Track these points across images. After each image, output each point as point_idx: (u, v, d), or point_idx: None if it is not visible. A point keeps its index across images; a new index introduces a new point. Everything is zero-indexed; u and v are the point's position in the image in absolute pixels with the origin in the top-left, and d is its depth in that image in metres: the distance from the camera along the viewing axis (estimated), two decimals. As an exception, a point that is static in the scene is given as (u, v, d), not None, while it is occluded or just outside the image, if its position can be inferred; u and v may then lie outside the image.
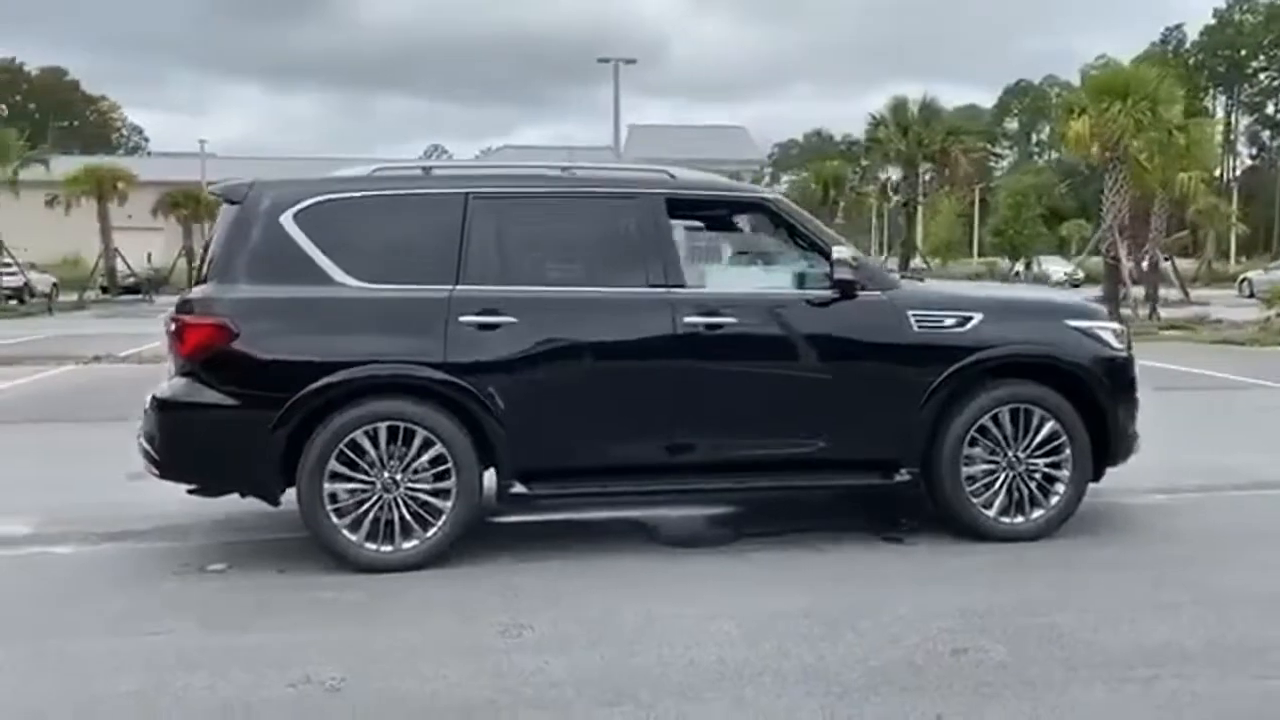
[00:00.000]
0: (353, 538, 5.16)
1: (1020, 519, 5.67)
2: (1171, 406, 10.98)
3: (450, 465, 5.20)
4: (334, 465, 5.13)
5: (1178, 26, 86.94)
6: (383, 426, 5.16)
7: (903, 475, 5.60)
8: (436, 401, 5.19)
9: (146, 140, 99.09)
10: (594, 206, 5.55)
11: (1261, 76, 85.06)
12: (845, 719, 3.58)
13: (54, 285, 33.33)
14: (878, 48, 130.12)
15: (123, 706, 3.69)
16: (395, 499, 5.19)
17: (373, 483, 5.17)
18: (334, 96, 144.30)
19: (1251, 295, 31.35)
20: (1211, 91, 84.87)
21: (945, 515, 5.73)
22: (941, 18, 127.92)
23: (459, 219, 5.34)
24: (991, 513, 5.64)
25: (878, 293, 5.57)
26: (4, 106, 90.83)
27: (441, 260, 5.29)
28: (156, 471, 5.27)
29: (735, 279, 5.79)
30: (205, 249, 5.45)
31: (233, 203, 5.36)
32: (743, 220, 6.11)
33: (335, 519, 5.15)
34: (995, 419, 5.62)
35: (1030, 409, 5.64)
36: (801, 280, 5.66)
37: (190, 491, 5.37)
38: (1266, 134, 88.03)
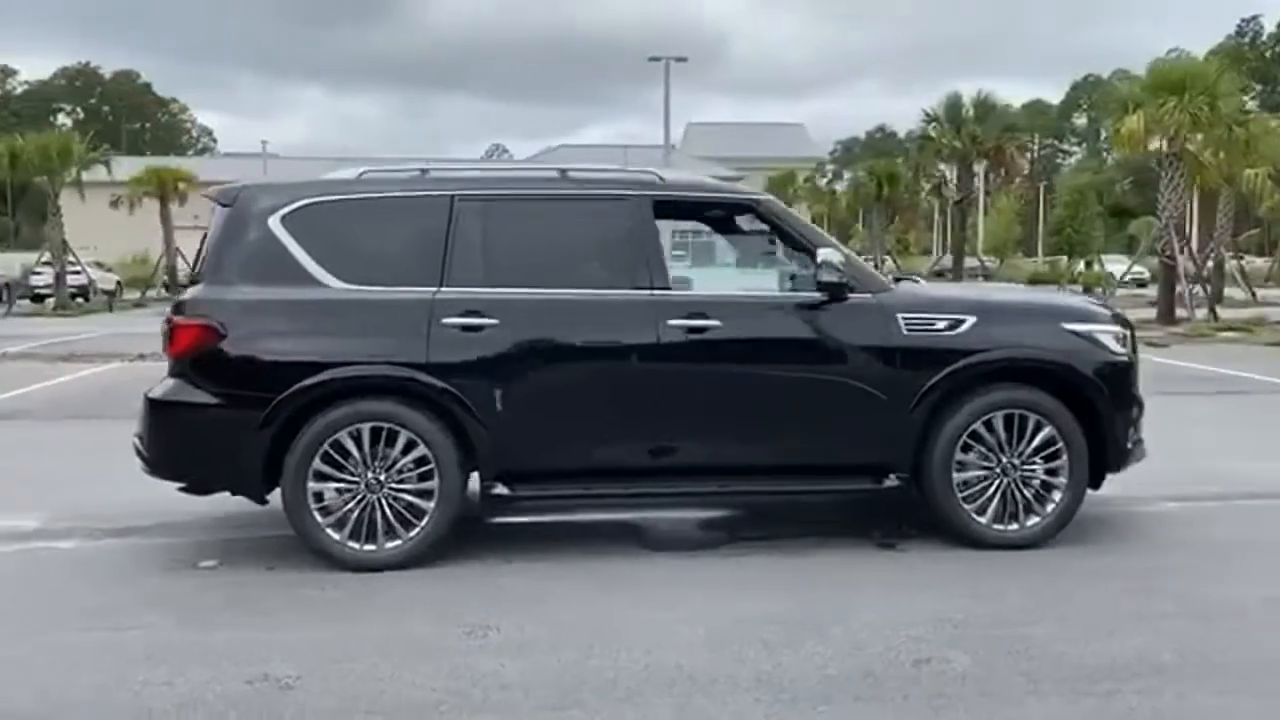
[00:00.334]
0: (336, 537, 5.22)
1: (1014, 526, 5.56)
2: (1202, 411, 10.74)
3: (433, 466, 5.24)
4: (318, 465, 5.19)
5: (1254, 18, 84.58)
6: (366, 427, 5.21)
7: (892, 481, 5.52)
8: (419, 403, 5.23)
9: (215, 141, 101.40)
10: (580, 209, 5.55)
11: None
12: (788, 728, 3.54)
13: (117, 284, 34.20)
14: (945, 43, 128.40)
15: (78, 700, 3.77)
16: (379, 499, 5.24)
17: (357, 483, 5.23)
18: (396, 97, 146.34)
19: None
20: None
21: (938, 521, 5.63)
22: (1011, 11, 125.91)
23: (444, 221, 5.37)
24: (984, 519, 5.53)
25: (867, 295, 5.50)
26: (79, 109, 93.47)
27: (426, 263, 5.33)
28: (147, 469, 5.38)
29: (721, 281, 5.76)
30: (199, 251, 5.54)
31: (225, 205, 5.45)
32: (731, 222, 6.06)
33: (319, 518, 5.22)
34: (988, 424, 5.51)
35: (1025, 414, 5.52)
36: (789, 282, 5.61)
37: (180, 489, 5.47)
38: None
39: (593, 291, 5.40)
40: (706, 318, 5.37)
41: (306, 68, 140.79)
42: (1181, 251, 21.49)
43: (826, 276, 5.33)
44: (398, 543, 5.25)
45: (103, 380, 13.37)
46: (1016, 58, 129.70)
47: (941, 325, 5.49)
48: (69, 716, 3.66)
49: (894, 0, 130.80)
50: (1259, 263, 40.28)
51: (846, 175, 72.32)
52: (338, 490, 5.25)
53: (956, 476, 5.51)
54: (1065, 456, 5.54)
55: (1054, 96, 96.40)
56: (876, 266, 37.85)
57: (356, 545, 5.23)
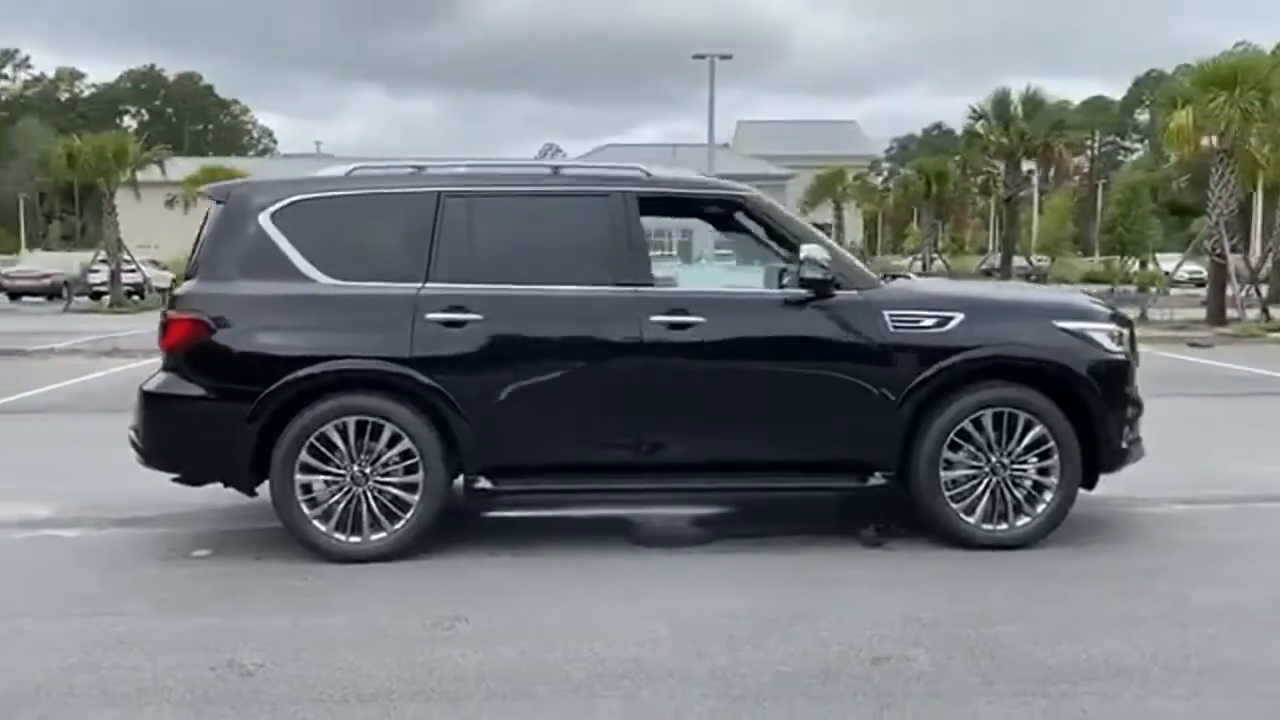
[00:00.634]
0: (322, 528, 5.30)
1: (1004, 526, 5.49)
2: (1227, 413, 10.52)
3: (417, 460, 5.30)
4: (305, 458, 5.28)
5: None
6: (351, 421, 5.28)
7: (878, 479, 5.48)
8: (403, 397, 5.29)
9: (275, 143, 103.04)
10: (565, 205, 5.57)
11: None
12: (731, 723, 3.54)
13: (172, 281, 34.91)
14: (1008, 39, 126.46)
15: (39, 681, 3.86)
16: (364, 492, 5.31)
17: (343, 476, 5.30)
18: (453, 98, 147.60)
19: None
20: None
21: (925, 520, 5.58)
22: (1077, 6, 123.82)
23: (430, 218, 5.43)
24: (973, 519, 5.47)
25: (853, 292, 5.46)
26: (144, 111, 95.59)
27: (412, 258, 5.39)
28: (141, 460, 5.51)
29: (707, 278, 5.76)
30: (194, 246, 5.66)
31: (219, 203, 5.56)
32: (718, 219, 6.03)
33: (306, 510, 5.30)
34: (977, 422, 5.44)
35: (1015, 413, 5.45)
36: (775, 279, 5.58)
37: (173, 480, 5.59)
38: None
39: (576, 287, 5.42)
40: (689, 314, 5.36)
41: (365, 69, 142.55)
42: (1234, 250, 20.98)
43: (809, 273, 5.30)
44: (382, 535, 5.32)
45: (138, 375, 13.45)
46: (1082, 54, 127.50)
47: (929, 322, 5.43)
48: (27, 697, 3.75)
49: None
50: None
51: (903, 172, 71.67)
52: (325, 483, 5.33)
53: (944, 475, 5.45)
54: (1057, 456, 5.46)
55: (1119, 93, 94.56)
56: (925, 265, 37.61)
57: (342, 537, 5.31)
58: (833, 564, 5.34)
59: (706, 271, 5.85)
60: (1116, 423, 5.56)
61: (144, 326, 22.58)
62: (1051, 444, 5.45)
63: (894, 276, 6.27)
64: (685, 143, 46.72)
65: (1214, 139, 20.33)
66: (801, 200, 46.72)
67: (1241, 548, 5.62)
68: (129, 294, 29.85)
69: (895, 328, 5.41)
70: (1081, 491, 5.63)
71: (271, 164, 62.82)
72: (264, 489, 5.48)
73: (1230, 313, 20.90)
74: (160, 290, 32.75)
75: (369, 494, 5.31)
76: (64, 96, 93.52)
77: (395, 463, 5.32)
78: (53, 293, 32.26)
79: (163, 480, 5.63)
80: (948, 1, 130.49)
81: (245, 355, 5.32)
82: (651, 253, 5.87)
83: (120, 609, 4.71)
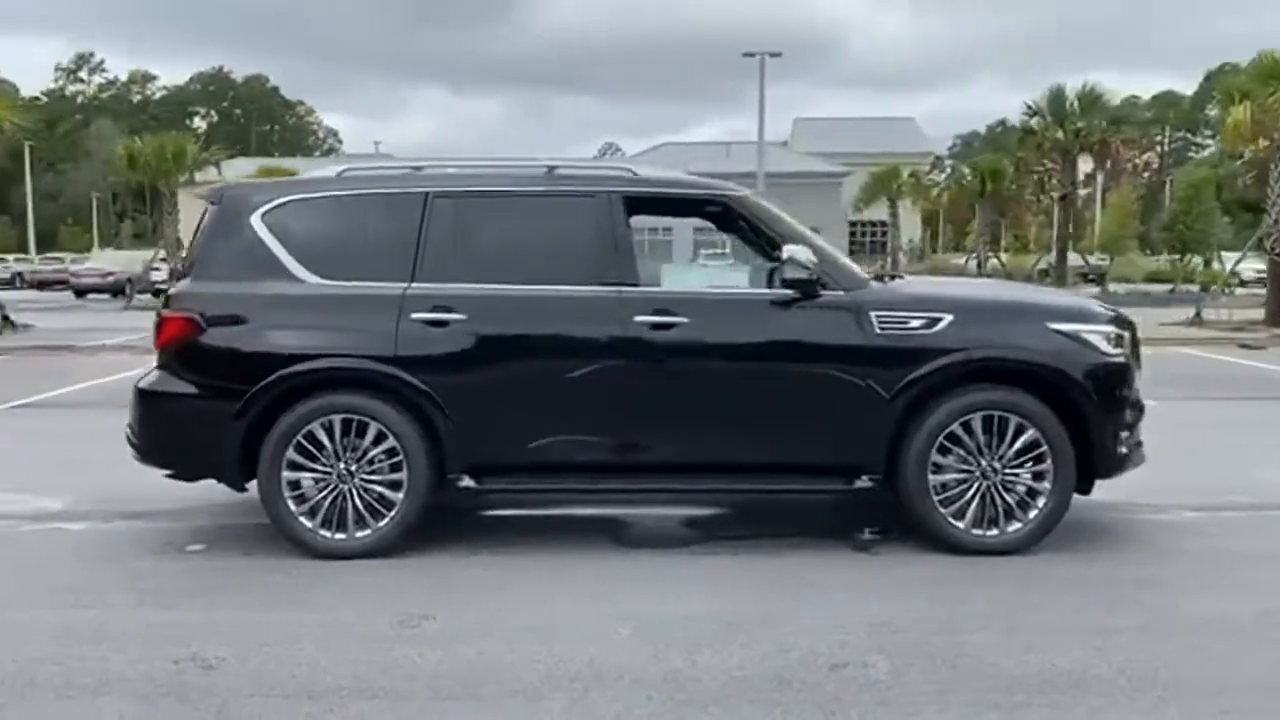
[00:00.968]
0: (309, 525, 5.37)
1: (994, 532, 5.38)
2: (1258, 417, 10.22)
3: (402, 458, 5.34)
4: (292, 455, 5.34)
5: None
6: (337, 419, 5.34)
7: (864, 482, 5.41)
8: (388, 396, 5.34)
9: (340, 143, 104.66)
10: (551, 205, 5.57)
11: None
12: (672, 728, 3.52)
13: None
14: (1075, 33, 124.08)
15: (9, 672, 3.95)
16: (350, 489, 5.37)
17: (329, 473, 5.36)
18: (515, 98, 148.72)
19: None
20: None
21: (914, 525, 5.49)
22: None
23: (418, 218, 5.46)
24: (962, 524, 5.37)
25: (840, 292, 5.39)
26: (213, 112, 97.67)
27: (399, 258, 5.43)
28: (137, 456, 5.62)
29: (692, 278, 5.70)
30: (189, 246, 5.76)
31: (213, 204, 5.66)
32: (706, 218, 5.98)
33: (293, 506, 5.37)
34: (967, 426, 5.34)
35: (1005, 416, 5.34)
36: (761, 279, 5.53)
37: (167, 476, 5.69)
38: None
39: (560, 287, 5.42)
40: (672, 314, 5.34)
41: (428, 70, 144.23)
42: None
43: (791, 273, 5.24)
44: (367, 532, 5.37)
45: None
46: (1154, 47, 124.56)
47: (917, 323, 5.34)
48: (-9, 687, 3.86)
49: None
50: None
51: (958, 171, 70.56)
52: (313, 480, 5.39)
53: (933, 479, 5.36)
54: (1049, 461, 5.34)
55: (1191, 87, 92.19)
56: (980, 264, 36.98)
57: (327, 533, 5.37)
58: (817, 567, 5.27)
59: (694, 271, 5.78)
60: (1113, 427, 5.42)
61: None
62: (1044, 448, 5.33)
63: (892, 277, 6.15)
64: (740, 140, 46.41)
65: (1277, 134, 19.69)
66: (856, 198, 46.23)
67: (1246, 557, 5.45)
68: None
69: (882, 329, 5.33)
70: (1087, 497, 5.51)
71: (328, 164, 63.66)
72: (254, 485, 5.56)
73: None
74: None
75: (354, 491, 5.37)
76: (136, 98, 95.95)
77: (380, 461, 5.37)
78: (117, 290, 33.07)
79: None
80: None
81: (234, 353, 5.40)
82: (647, 253, 5.84)
83: (104, 601, 4.82)
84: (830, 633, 4.33)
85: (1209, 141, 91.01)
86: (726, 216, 5.69)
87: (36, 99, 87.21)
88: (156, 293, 31.63)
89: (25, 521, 6.25)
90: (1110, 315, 5.69)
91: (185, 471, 5.64)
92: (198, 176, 28.91)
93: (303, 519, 5.37)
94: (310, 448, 5.35)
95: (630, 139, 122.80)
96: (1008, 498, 5.38)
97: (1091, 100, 28.28)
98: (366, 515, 5.37)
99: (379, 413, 5.33)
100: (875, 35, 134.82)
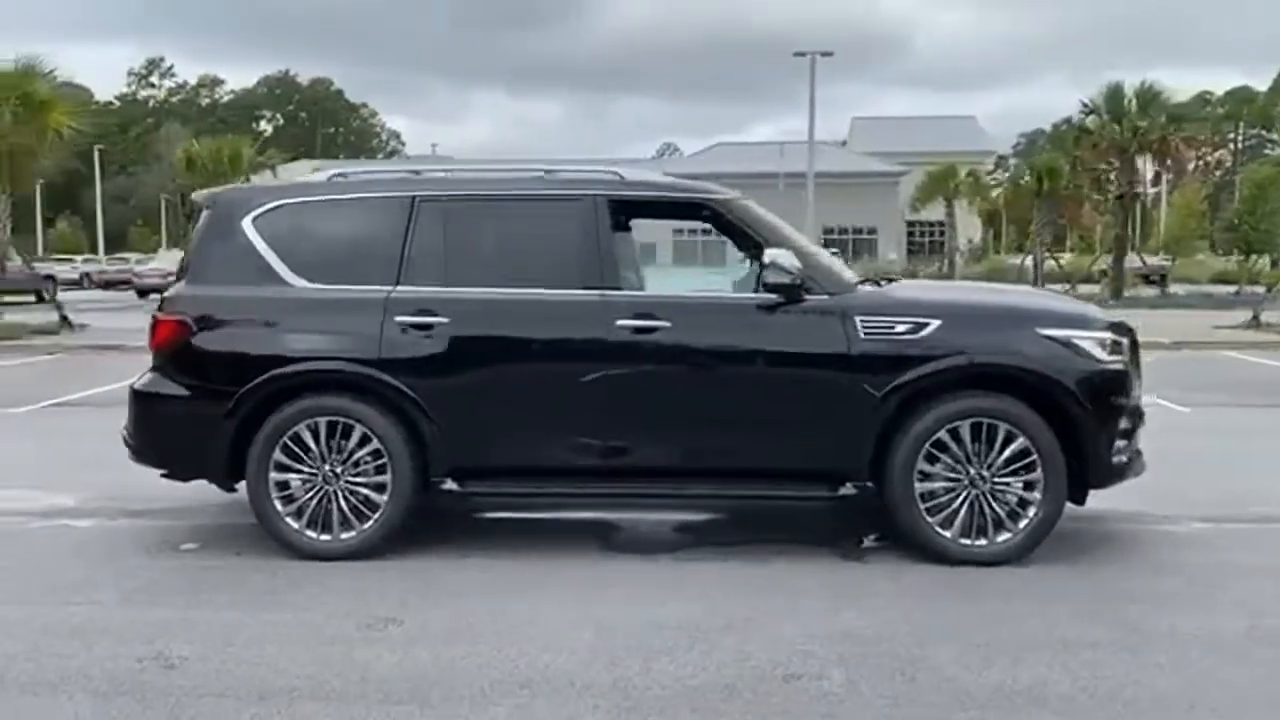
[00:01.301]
0: (295, 525, 5.42)
1: (982, 542, 5.27)
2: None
3: (386, 460, 5.38)
4: (279, 457, 5.41)
5: None
6: (323, 421, 5.39)
7: (848, 489, 5.33)
8: (372, 399, 5.38)
9: (403, 145, 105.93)
10: (536, 209, 5.58)
11: None
12: (610, 737, 3.49)
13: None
14: (1145, 28, 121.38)
15: (-25, 667, 4.07)
16: (335, 491, 5.42)
17: (315, 475, 5.42)
18: (575, 99, 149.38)
19: None
20: None
21: (901, 533, 5.40)
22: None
23: (404, 222, 5.50)
24: (950, 533, 5.27)
25: (824, 297, 5.32)
26: (279, 115, 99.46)
27: (385, 262, 5.47)
28: (132, 457, 5.73)
29: (676, 281, 5.67)
30: (184, 250, 5.86)
31: (207, 208, 5.75)
32: (692, 222, 5.94)
33: (280, 507, 5.43)
34: (955, 433, 5.24)
35: (994, 424, 5.22)
36: (746, 283, 5.47)
37: (162, 476, 5.79)
38: None
39: (543, 291, 5.42)
40: (654, 318, 5.31)
41: (490, 72, 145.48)
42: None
43: (772, 278, 5.18)
44: (351, 534, 5.41)
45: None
46: (1226, 43, 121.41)
47: (902, 329, 5.25)
48: (-41, 682, 3.95)
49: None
50: None
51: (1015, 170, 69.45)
52: (300, 481, 5.45)
53: (920, 487, 5.26)
54: (1040, 469, 5.22)
55: (1265, 83, 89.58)
56: (1037, 265, 36.29)
57: (313, 534, 5.42)
58: (801, 575, 5.20)
59: (679, 275, 5.73)
60: (1106, 436, 5.28)
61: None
62: (1034, 457, 5.21)
63: (889, 280, 6.06)
64: (795, 140, 46.05)
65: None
66: (912, 197, 45.67)
67: (1248, 570, 5.27)
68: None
69: (867, 334, 5.24)
70: (1101, 507, 5.37)
71: (394, 166, 64.47)
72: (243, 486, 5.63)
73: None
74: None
75: (340, 493, 5.41)
76: (205, 102, 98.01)
77: (366, 463, 5.41)
78: (177, 290, 33.72)
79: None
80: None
81: (222, 356, 5.49)
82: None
83: (90, 598, 4.92)
84: (795, 642, 4.27)
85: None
86: (712, 220, 5.64)
87: (110, 104, 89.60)
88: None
89: (35, 518, 6.40)
90: (1106, 321, 5.54)
91: (178, 471, 5.73)
92: (254, 180, 29.45)
93: (289, 520, 5.43)
94: (297, 449, 5.40)
95: (690, 139, 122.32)
96: (997, 507, 5.27)
97: (1150, 97, 27.62)
98: (351, 517, 5.41)
99: (363, 415, 5.37)
100: (940, 32, 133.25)
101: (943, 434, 5.24)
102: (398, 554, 5.47)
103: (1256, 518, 6.25)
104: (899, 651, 4.18)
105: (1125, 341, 5.48)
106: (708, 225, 5.71)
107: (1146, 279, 32.43)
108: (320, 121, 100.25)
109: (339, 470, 5.41)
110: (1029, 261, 33.88)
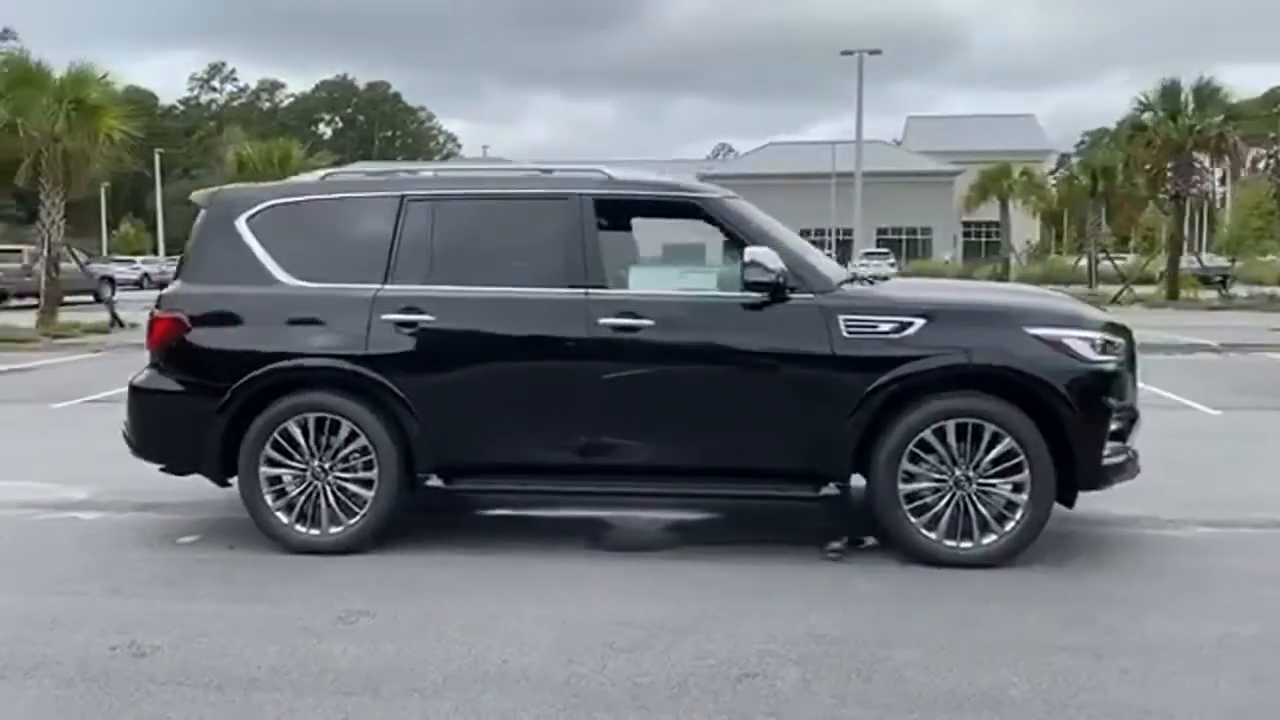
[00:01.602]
0: (284, 520, 5.52)
1: (968, 543, 5.20)
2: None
3: (373, 456, 5.45)
4: (269, 452, 5.50)
5: None
6: (312, 417, 5.48)
7: (830, 489, 5.30)
8: (359, 396, 5.45)
9: (459, 147, 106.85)
10: (522, 208, 5.62)
11: None
12: (551, 732, 3.51)
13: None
14: (1215, 22, 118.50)
15: (-48, 653, 4.19)
16: (324, 486, 5.50)
17: (304, 470, 5.51)
18: (631, 100, 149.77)
19: None
20: None
21: (886, 535, 5.36)
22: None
23: (392, 221, 5.57)
24: (934, 535, 5.21)
25: (808, 295, 5.28)
26: (338, 119, 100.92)
27: (373, 261, 5.55)
28: (132, 451, 5.87)
29: (660, 280, 5.65)
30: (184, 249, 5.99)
31: (205, 208, 5.87)
32: (677, 221, 5.91)
33: (270, 501, 5.52)
34: (940, 433, 5.18)
35: (980, 424, 5.16)
36: (730, 282, 5.45)
37: (160, 470, 5.92)
38: None
39: (526, 289, 5.46)
40: (637, 316, 5.31)
41: (546, 74, 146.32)
42: None
43: (752, 276, 5.17)
44: (339, 529, 5.49)
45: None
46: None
47: (886, 328, 5.20)
48: (-65, 668, 4.07)
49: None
50: None
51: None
52: (291, 476, 5.54)
53: (904, 487, 5.21)
54: (1026, 470, 5.14)
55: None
56: (1092, 265, 35.63)
57: (302, 529, 5.51)
58: (781, 575, 5.18)
59: (664, 273, 5.71)
60: (1095, 437, 5.18)
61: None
62: (1021, 458, 5.13)
63: (883, 279, 6.00)
64: (849, 140, 45.75)
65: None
66: (964, 197, 45.11)
67: (1241, 577, 5.14)
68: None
69: (849, 333, 5.21)
70: (1098, 511, 5.29)
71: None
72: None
73: None
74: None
75: (328, 489, 5.50)
76: (265, 106, 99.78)
77: (354, 459, 5.49)
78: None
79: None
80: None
81: (215, 353, 5.60)
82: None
83: (79, 588, 5.04)
84: (758, 641, 4.25)
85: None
86: (699, 218, 5.63)
87: (173, 108, 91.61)
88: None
89: (46, 510, 6.58)
90: (1100, 322, 5.44)
91: (175, 465, 5.86)
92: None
93: (279, 514, 5.52)
94: (287, 445, 5.49)
95: (745, 139, 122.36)
96: (983, 509, 5.20)
97: (1208, 94, 26.97)
98: (340, 512, 5.49)
99: (350, 411, 5.45)
100: (1004, 29, 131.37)
101: (927, 434, 5.18)
102: (386, 549, 5.54)
103: (1261, 523, 6.09)
104: (860, 653, 4.14)
105: (1119, 342, 5.37)
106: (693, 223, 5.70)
107: (1205, 280, 31.62)
108: (378, 125, 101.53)
109: (327, 466, 5.49)
110: (1083, 262, 33.22)
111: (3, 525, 6.24)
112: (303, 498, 5.51)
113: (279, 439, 5.49)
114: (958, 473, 5.19)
